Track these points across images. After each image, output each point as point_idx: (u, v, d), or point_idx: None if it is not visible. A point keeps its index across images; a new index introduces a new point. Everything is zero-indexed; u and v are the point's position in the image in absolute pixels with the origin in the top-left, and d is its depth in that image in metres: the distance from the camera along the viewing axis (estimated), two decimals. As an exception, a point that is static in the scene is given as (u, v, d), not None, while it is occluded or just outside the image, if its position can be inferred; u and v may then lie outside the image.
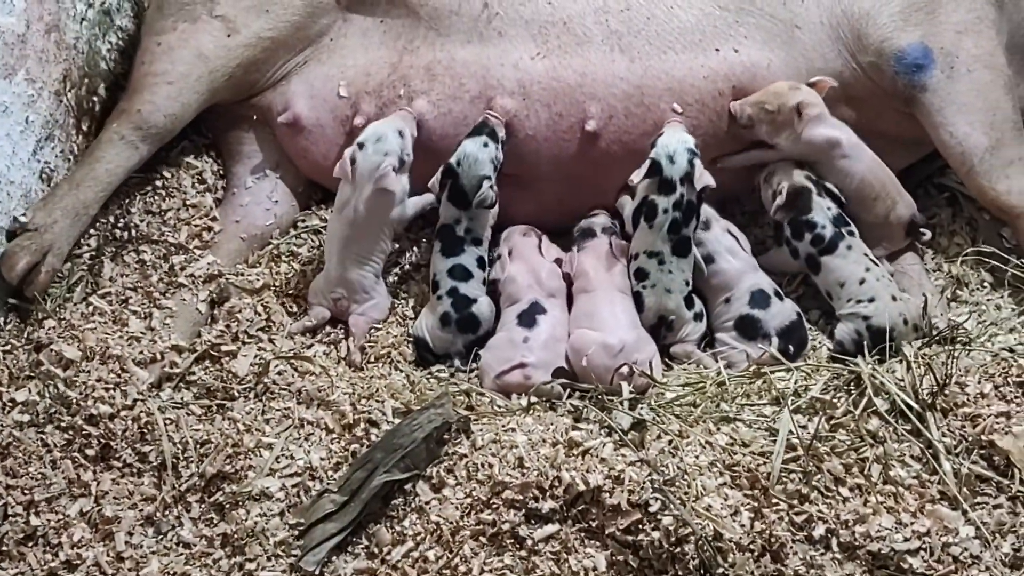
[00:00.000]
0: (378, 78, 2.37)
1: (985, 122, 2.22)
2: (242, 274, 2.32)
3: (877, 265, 2.21)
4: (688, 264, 2.19)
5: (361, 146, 2.21)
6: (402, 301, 2.33)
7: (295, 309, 2.30)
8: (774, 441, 1.86)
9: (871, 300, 2.15)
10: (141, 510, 1.91)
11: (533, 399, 2.03)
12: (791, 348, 2.14)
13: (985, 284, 2.29)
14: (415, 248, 2.40)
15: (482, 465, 1.86)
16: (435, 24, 2.36)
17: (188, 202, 2.39)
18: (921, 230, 2.30)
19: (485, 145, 2.22)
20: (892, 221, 2.28)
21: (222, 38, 2.33)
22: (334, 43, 2.42)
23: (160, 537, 1.88)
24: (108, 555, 1.84)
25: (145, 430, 1.98)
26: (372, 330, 2.25)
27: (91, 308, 2.19)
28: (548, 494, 1.79)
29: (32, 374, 2.04)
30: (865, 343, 2.12)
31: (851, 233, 2.22)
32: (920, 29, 2.27)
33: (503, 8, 2.34)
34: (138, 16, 2.58)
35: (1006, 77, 2.27)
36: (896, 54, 2.26)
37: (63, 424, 1.98)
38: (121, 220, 2.33)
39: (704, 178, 2.17)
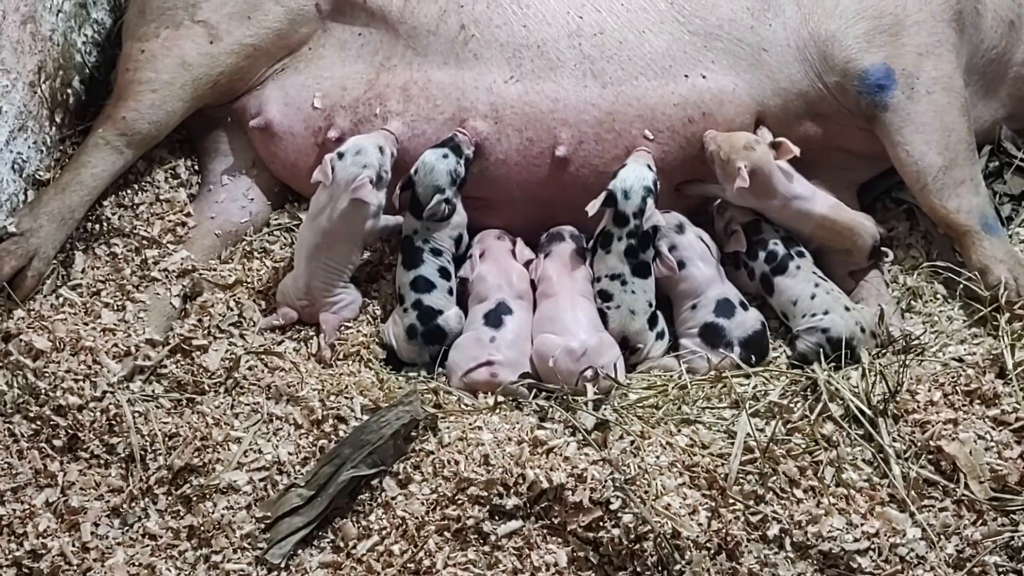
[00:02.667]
0: (354, 93, 2.37)
1: (941, 143, 2.29)
2: (215, 270, 2.33)
3: (825, 280, 2.28)
4: (649, 285, 2.24)
5: (341, 156, 2.22)
6: (373, 300, 2.35)
7: (266, 305, 2.31)
8: (732, 443, 1.92)
9: (826, 312, 2.21)
10: (107, 501, 1.92)
11: (500, 398, 2.07)
12: (752, 358, 2.20)
13: (938, 296, 2.35)
14: (386, 248, 2.43)
15: (448, 462, 1.89)
16: (413, 43, 2.37)
17: (161, 197, 2.40)
18: (884, 250, 2.35)
19: (445, 156, 2.22)
20: (854, 252, 2.33)
21: (205, 45, 2.34)
22: (312, 52, 2.43)
23: (126, 528, 1.89)
24: (73, 545, 1.85)
25: (114, 422, 1.99)
26: (343, 328, 2.27)
27: (61, 300, 2.20)
28: (512, 491, 1.83)
29: (0, 364, 2.04)
30: (825, 353, 2.17)
31: (800, 254, 2.30)
32: (884, 51, 2.34)
33: (479, 30, 2.34)
34: (114, 10, 2.59)
35: (963, 99, 2.35)
36: (860, 74, 2.32)
37: (31, 414, 1.98)
38: (92, 213, 2.33)
39: (654, 218, 2.20)
